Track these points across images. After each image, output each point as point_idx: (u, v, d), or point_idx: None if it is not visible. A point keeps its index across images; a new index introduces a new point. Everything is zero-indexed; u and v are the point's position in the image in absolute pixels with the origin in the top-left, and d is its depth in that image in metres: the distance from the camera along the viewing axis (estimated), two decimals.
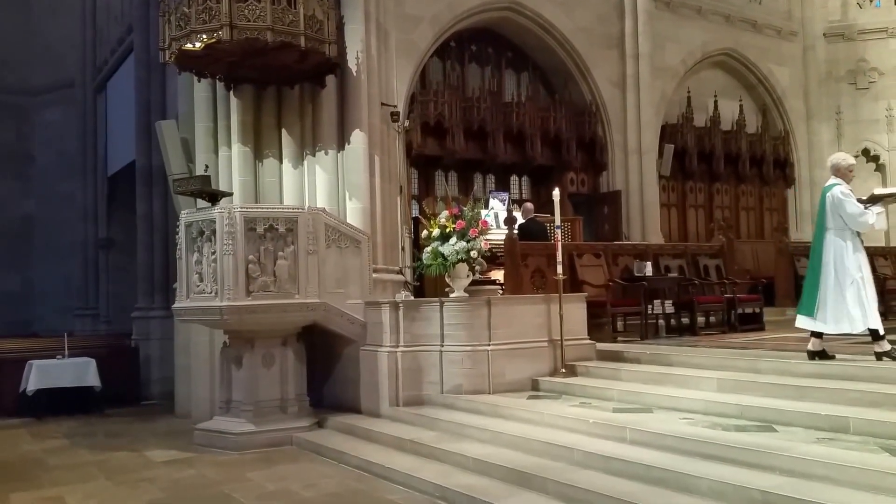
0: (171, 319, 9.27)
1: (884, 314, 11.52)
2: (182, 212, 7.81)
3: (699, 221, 15.46)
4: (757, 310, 10.16)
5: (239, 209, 7.26)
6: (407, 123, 10.89)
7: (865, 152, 16.59)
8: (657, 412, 5.82)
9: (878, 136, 16.46)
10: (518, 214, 11.00)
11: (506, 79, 13.70)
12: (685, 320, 9.68)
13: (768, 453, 4.46)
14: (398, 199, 9.90)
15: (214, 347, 8.25)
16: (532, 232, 10.35)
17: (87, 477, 6.44)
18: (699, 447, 4.81)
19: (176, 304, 7.73)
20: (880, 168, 16.50)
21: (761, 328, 9.90)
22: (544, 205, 12.50)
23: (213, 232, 7.17)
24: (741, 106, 16.01)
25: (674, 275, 10.06)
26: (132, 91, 12.36)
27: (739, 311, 9.93)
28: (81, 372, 9.98)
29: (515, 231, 9.59)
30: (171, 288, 9.29)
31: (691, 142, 15.10)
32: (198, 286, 7.34)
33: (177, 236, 7.64)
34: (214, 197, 7.59)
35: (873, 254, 12.79)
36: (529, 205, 11.69)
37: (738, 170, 15.92)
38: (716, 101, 15.59)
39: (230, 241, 7.07)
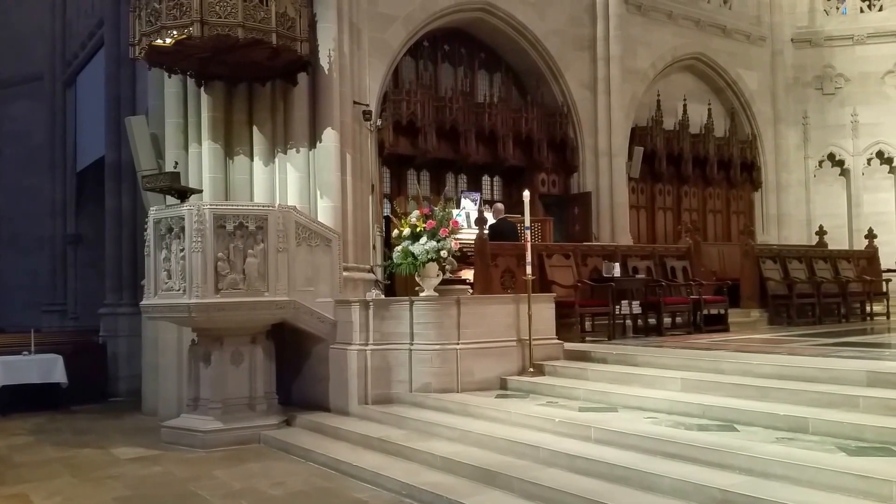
0: (139, 316, 9.17)
1: (845, 316, 12.01)
2: (151, 208, 7.75)
3: (668, 223, 15.65)
4: (722, 311, 10.35)
5: (208, 206, 7.22)
6: (379, 122, 10.90)
7: (831, 157, 16.95)
8: (622, 411, 5.91)
9: (844, 142, 16.80)
10: (489, 215, 11.09)
11: (478, 79, 13.77)
12: (652, 321, 9.83)
13: (729, 452, 4.55)
14: (370, 197, 9.91)
15: (182, 345, 8.20)
16: (503, 232, 10.44)
17: (53, 474, 6.37)
18: (662, 446, 4.90)
19: (144, 302, 7.68)
20: (845, 173, 16.86)
21: (726, 329, 10.08)
22: (516, 205, 12.57)
23: (182, 229, 7.12)
24: (710, 110, 16.23)
25: (641, 276, 10.21)
26: (102, 86, 12.24)
27: (705, 312, 10.11)
28: (48, 368, 9.86)
29: (486, 231, 9.66)
30: (139, 284, 9.21)
31: (660, 144, 15.28)
32: (166, 283, 7.29)
33: (145, 233, 7.58)
34: (184, 194, 7.55)
35: (836, 257, 13.19)
36: (500, 205, 11.78)
37: (706, 173, 16.14)
38: (685, 105, 15.80)
39: (199, 239, 7.03)
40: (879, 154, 16.68)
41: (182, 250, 7.13)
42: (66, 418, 9.36)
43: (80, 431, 8.41)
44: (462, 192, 13.28)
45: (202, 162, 8.58)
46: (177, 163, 8.33)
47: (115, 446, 7.42)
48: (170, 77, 8.59)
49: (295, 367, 8.25)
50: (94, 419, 9.22)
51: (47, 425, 8.86)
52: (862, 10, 17.00)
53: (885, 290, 12.65)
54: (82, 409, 9.89)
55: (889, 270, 14.18)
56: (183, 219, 7.12)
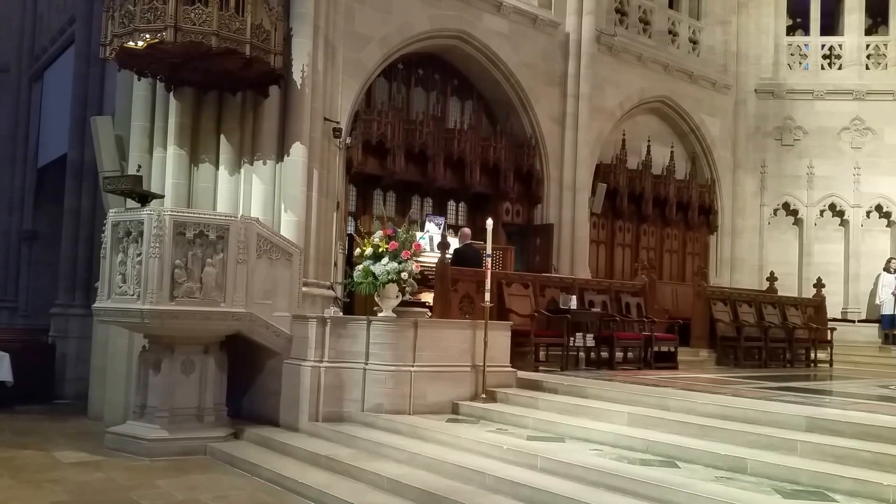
0: (90, 318, 9.01)
1: (790, 361, 12.33)
2: (110, 210, 7.66)
3: (626, 260, 15.90)
4: (672, 349, 10.57)
5: (169, 212, 7.18)
6: (349, 140, 10.95)
7: (786, 206, 17.44)
8: (569, 442, 6.00)
9: (799, 192, 17.32)
10: (455, 239, 11.18)
11: (450, 105, 13.90)
12: (604, 354, 9.99)
13: (669, 488, 4.65)
14: (334, 214, 9.93)
15: (133, 350, 8.09)
16: (467, 257, 10.52)
17: None
18: (604, 478, 4.98)
19: (96, 304, 7.55)
20: (798, 222, 17.37)
21: (675, 367, 10.30)
22: (479, 232, 12.69)
23: (141, 233, 7.06)
24: (672, 152, 16.60)
25: (597, 310, 10.37)
26: (69, 83, 12.08)
27: (656, 348, 10.31)
28: None
29: (448, 256, 9.73)
30: (93, 286, 9.06)
31: (623, 183, 15.55)
32: (120, 287, 7.20)
33: (103, 235, 7.49)
34: (145, 198, 7.48)
35: (785, 303, 13.56)
36: (467, 230, 11.88)
37: (665, 213, 16.44)
38: (649, 146, 16.13)
39: (157, 244, 6.97)
40: (832, 207, 17.22)
41: (139, 255, 7.05)
42: (9, 418, 9.11)
43: (23, 432, 8.19)
44: (427, 215, 13.36)
45: (166, 167, 8.53)
46: (140, 166, 8.26)
47: (57, 450, 7.27)
48: (139, 80, 8.54)
49: (247, 380, 8.18)
50: (37, 420, 9.00)
51: None
52: (823, 68, 17.65)
53: (829, 338, 13.05)
54: (26, 410, 9.65)
55: (834, 319, 14.65)
56: (142, 223, 7.06)
